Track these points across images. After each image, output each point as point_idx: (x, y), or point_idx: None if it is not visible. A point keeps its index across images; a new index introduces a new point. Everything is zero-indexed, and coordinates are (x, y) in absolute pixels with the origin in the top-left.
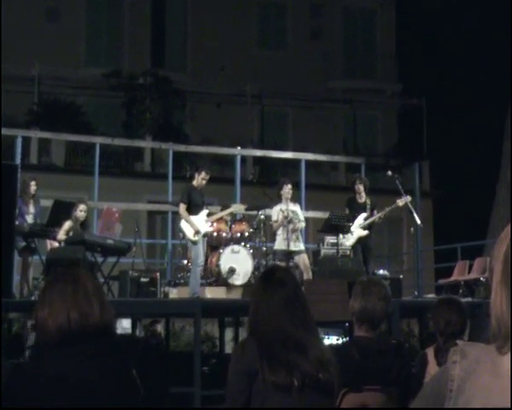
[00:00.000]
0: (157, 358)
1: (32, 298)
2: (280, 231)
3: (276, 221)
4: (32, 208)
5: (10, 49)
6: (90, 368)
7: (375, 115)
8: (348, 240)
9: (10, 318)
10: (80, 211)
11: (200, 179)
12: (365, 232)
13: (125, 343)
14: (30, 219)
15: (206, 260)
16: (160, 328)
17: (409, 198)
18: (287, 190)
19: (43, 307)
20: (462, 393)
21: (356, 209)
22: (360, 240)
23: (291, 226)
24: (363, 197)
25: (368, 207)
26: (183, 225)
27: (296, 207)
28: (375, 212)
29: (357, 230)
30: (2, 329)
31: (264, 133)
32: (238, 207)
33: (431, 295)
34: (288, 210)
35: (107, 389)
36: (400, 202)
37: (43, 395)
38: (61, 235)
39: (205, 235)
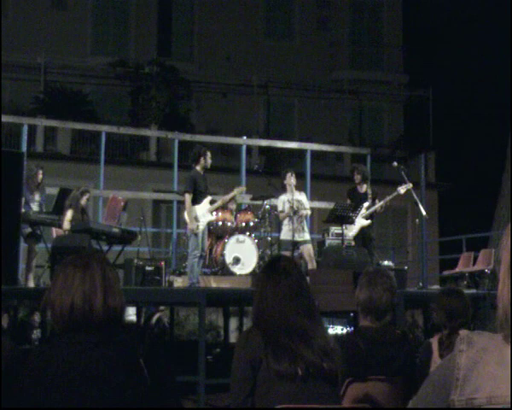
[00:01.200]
0: (163, 347)
1: (40, 285)
2: (286, 221)
3: (282, 211)
4: (37, 196)
5: (17, 37)
6: (94, 357)
7: (381, 106)
8: (351, 230)
9: (16, 305)
10: (87, 199)
11: (208, 159)
12: (367, 222)
13: (132, 332)
14: (35, 206)
15: (211, 249)
16: (154, 320)
17: (410, 185)
18: (290, 179)
19: (53, 290)
20: (469, 381)
21: (357, 199)
22: (362, 230)
23: (297, 217)
24: (363, 187)
25: (369, 196)
26: (186, 215)
27: (302, 196)
28: (377, 201)
29: (360, 219)
30: (7, 315)
31: (269, 123)
32: (240, 190)
33: (435, 287)
34: (294, 200)
35: (111, 379)
36: (402, 190)
37: (44, 383)
38: (66, 225)
39: (208, 224)
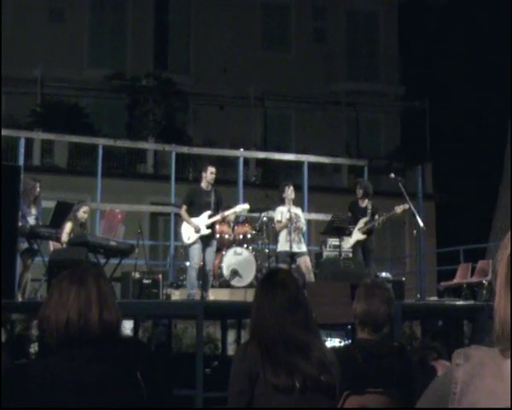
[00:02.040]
0: (161, 360)
1: (38, 299)
2: (283, 233)
3: (280, 221)
4: (33, 210)
5: (13, 50)
6: (90, 372)
7: (378, 118)
8: (347, 243)
9: (13, 319)
10: (84, 213)
11: (209, 175)
12: (363, 237)
13: (129, 346)
14: (32, 220)
15: None
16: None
17: (406, 206)
18: (289, 192)
19: (46, 306)
20: (466, 396)
21: (357, 213)
22: (359, 243)
23: (294, 227)
24: (364, 202)
25: (369, 211)
26: (183, 228)
27: (298, 211)
28: (376, 217)
29: (356, 233)
30: (4, 330)
31: (266, 135)
32: (242, 207)
33: (433, 298)
34: (291, 212)
35: (107, 393)
36: (398, 209)
37: (40, 397)
38: (65, 237)
39: (204, 237)
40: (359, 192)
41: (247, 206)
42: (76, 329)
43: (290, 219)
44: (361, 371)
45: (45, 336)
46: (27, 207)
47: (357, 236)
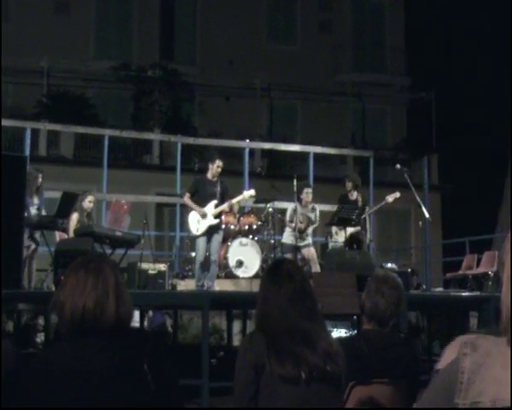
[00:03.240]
0: (167, 351)
1: (44, 289)
2: (289, 228)
3: (291, 222)
4: (36, 200)
5: (20, 41)
6: (98, 362)
7: (384, 109)
8: (341, 236)
9: (20, 309)
10: (89, 202)
11: (215, 168)
12: (356, 228)
13: (136, 338)
14: (34, 210)
15: None
16: (168, 321)
17: (398, 195)
18: (307, 195)
19: (63, 292)
20: (473, 385)
21: (347, 206)
22: (352, 235)
23: (302, 228)
24: (354, 194)
25: (359, 203)
26: (190, 219)
27: (313, 213)
28: (367, 208)
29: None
30: (11, 319)
31: (272, 126)
32: (249, 194)
33: (439, 289)
34: (304, 215)
35: (114, 384)
36: (390, 198)
37: (47, 387)
38: (71, 228)
39: (210, 228)
40: (348, 185)
41: (253, 192)
42: (91, 318)
43: (301, 223)
44: (367, 361)
45: (54, 325)
46: (30, 198)
47: (350, 229)
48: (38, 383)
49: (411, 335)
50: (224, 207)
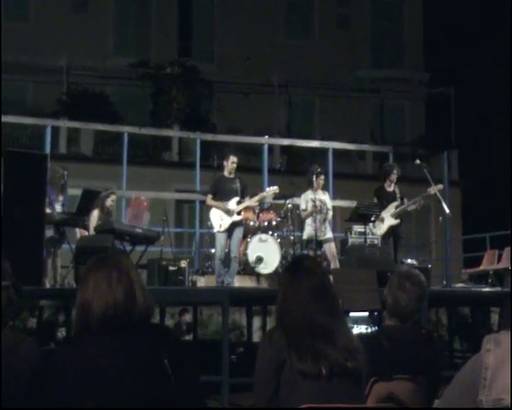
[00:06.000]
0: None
1: (65, 286)
2: (309, 221)
3: (305, 210)
4: (61, 197)
5: (39, 40)
6: (120, 359)
7: (403, 104)
8: (379, 229)
9: (42, 305)
10: (112, 201)
11: (230, 164)
12: (396, 221)
13: (157, 333)
14: (59, 207)
15: None
16: (188, 317)
17: (440, 186)
18: (319, 179)
19: (87, 290)
20: (496, 381)
21: (385, 198)
22: (392, 229)
23: (320, 216)
24: (391, 186)
25: (397, 196)
26: (212, 215)
27: (325, 196)
28: (405, 200)
29: (389, 218)
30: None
31: (291, 122)
32: (273, 190)
33: (460, 285)
34: (317, 199)
35: (136, 380)
36: (432, 190)
37: (69, 384)
38: (92, 225)
39: (232, 224)
40: (393, 177)
41: (276, 188)
42: (124, 311)
43: (315, 207)
44: (388, 357)
45: (83, 322)
46: (55, 195)
47: (389, 221)
48: (62, 380)
49: (432, 331)
50: (252, 201)
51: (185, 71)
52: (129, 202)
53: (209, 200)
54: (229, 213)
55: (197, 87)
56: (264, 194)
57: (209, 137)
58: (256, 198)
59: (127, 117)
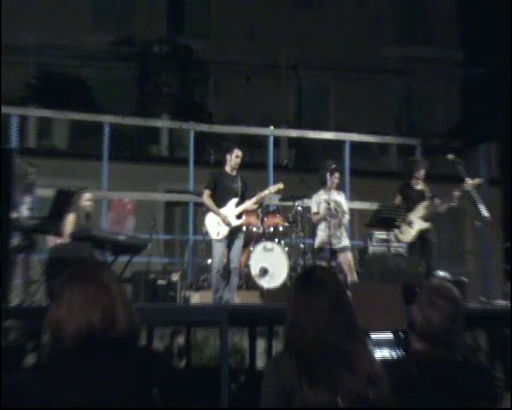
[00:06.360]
0: (179, 375)
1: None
2: (322, 226)
3: (317, 213)
4: (27, 199)
5: (4, 14)
6: (102, 385)
7: (433, 88)
8: (407, 234)
9: (6, 326)
10: (86, 201)
11: (234, 159)
12: (427, 225)
13: (145, 358)
14: (25, 211)
15: None
16: (180, 340)
17: (478, 181)
18: (334, 177)
19: (59, 308)
20: None
21: (412, 197)
22: (420, 234)
23: (334, 221)
24: (419, 183)
25: (427, 194)
26: (208, 220)
27: (340, 197)
28: (437, 200)
29: (418, 221)
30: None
31: (301, 110)
32: (277, 187)
33: (501, 302)
34: (331, 200)
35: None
36: (467, 185)
37: None
38: (67, 231)
39: (232, 230)
40: (420, 173)
41: (281, 185)
42: (100, 332)
43: (329, 210)
44: (417, 387)
45: (56, 344)
46: (20, 196)
47: (419, 225)
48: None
49: (469, 356)
50: (250, 203)
51: (176, 50)
52: (110, 204)
53: (206, 197)
54: (227, 223)
55: (190, 69)
56: (262, 193)
57: (204, 128)
58: (253, 199)
59: (108, 105)
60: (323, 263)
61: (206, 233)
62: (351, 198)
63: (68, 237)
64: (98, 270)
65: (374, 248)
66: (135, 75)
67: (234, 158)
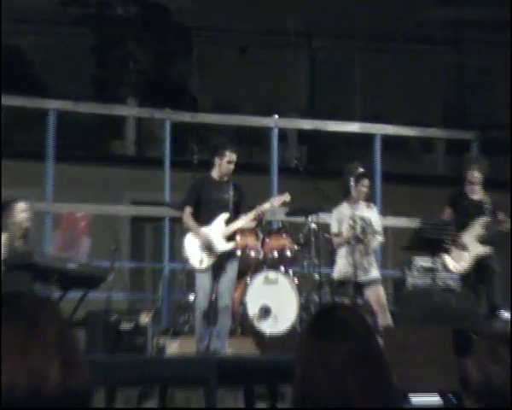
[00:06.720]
0: None
1: None
2: (343, 251)
3: (338, 235)
4: None
5: None
6: None
7: (493, 64)
8: (459, 261)
9: None
10: (21, 212)
11: (224, 164)
12: (486, 249)
13: None
14: None
15: None
16: (152, 405)
17: None
18: (361, 185)
19: None
20: None
21: (467, 211)
22: (478, 261)
23: (361, 244)
24: (476, 191)
25: (486, 206)
26: (188, 243)
27: (370, 212)
28: (501, 215)
29: (474, 244)
30: None
31: (315, 94)
32: (281, 199)
33: None
34: (357, 216)
35: None
36: None
37: None
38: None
39: (221, 256)
40: (474, 177)
41: (287, 197)
42: (22, 397)
43: (354, 230)
44: None
45: None
46: None
47: (475, 248)
48: None
49: None
50: (246, 220)
51: (147, 11)
52: (58, 220)
53: (187, 216)
54: (210, 247)
55: (166, 38)
56: (262, 207)
57: (186, 117)
58: (250, 214)
59: (55, 85)
60: (345, 300)
61: (187, 260)
62: (383, 213)
63: (1, 265)
64: (36, 310)
65: (414, 279)
66: (91, 45)
67: (225, 163)
